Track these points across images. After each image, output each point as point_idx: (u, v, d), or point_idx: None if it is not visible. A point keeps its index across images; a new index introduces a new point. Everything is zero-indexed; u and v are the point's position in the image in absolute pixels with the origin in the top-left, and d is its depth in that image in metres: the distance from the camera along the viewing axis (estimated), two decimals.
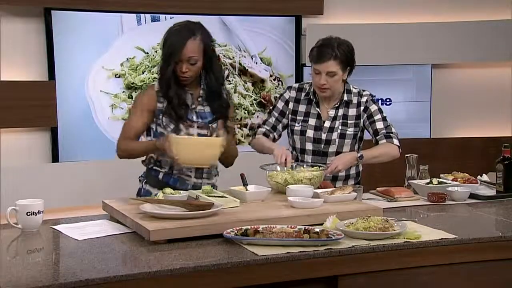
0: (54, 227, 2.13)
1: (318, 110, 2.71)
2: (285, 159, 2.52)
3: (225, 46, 4.30)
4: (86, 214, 2.44)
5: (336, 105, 2.72)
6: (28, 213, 2.06)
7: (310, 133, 2.70)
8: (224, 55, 4.29)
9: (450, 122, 4.76)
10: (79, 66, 3.93)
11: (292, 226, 1.98)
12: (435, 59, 4.63)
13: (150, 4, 4.01)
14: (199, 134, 2.46)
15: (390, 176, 2.99)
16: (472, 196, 2.60)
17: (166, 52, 2.40)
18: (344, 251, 1.88)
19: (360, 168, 2.81)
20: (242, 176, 2.40)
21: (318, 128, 2.70)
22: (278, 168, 2.55)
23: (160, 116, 2.44)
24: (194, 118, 2.47)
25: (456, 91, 4.73)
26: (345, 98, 2.72)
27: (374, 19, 4.54)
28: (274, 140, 2.79)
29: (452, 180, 2.75)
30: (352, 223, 2.02)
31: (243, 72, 4.36)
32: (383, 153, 2.68)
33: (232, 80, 4.33)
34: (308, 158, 2.71)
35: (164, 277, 1.70)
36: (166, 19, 4.09)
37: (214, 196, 2.25)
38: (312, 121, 2.71)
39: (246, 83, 4.37)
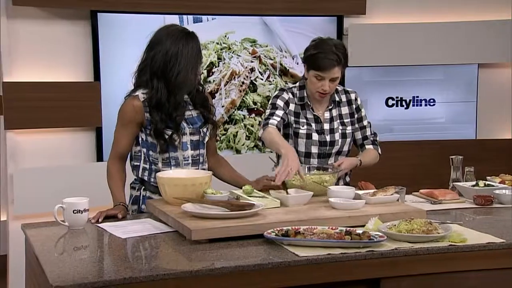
0: (99, 225, 2.17)
1: (316, 114, 2.67)
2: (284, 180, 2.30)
3: (266, 46, 4.30)
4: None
5: (330, 107, 2.69)
6: (74, 211, 2.11)
7: (315, 136, 2.65)
8: (265, 56, 4.29)
9: (496, 123, 4.62)
10: (123, 67, 3.99)
11: (334, 227, 1.96)
12: (482, 59, 4.51)
13: (193, 5, 4.04)
14: (191, 141, 2.40)
15: (434, 178, 2.94)
16: None
17: (197, 59, 2.37)
18: (386, 253, 1.85)
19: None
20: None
21: (320, 131, 2.66)
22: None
23: (150, 127, 2.35)
24: (185, 124, 2.40)
25: (503, 91, 4.60)
26: (336, 98, 2.70)
27: (418, 18, 4.46)
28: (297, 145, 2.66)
29: (500, 182, 2.67)
30: (395, 225, 1.99)
31: (284, 72, 4.35)
32: (372, 161, 2.73)
33: (273, 80, 4.33)
34: (314, 161, 2.65)
35: (205, 276, 1.71)
36: (208, 20, 4.13)
37: (255, 197, 2.26)
38: (314, 125, 2.67)
39: (287, 83, 4.36)
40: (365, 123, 2.75)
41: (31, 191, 3.65)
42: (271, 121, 2.57)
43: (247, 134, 4.32)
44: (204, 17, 4.13)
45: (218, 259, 1.79)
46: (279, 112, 2.61)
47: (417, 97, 4.49)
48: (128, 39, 3.99)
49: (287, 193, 2.29)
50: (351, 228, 1.95)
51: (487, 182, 2.65)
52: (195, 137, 2.42)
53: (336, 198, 2.22)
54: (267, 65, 4.30)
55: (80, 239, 2.07)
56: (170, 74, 2.33)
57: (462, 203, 2.52)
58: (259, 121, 4.34)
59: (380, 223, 2.02)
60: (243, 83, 4.27)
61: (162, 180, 2.25)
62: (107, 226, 2.15)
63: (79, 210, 2.11)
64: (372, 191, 2.35)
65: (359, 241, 1.87)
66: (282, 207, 2.21)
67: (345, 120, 2.70)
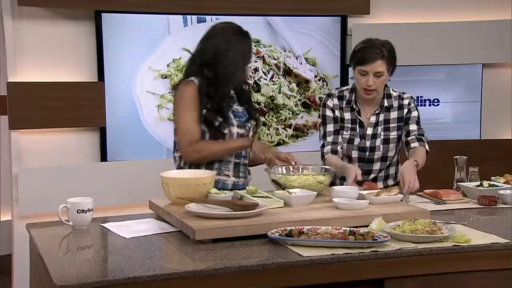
0: (103, 224, 2.18)
1: (360, 118, 2.68)
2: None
3: (270, 46, 4.30)
4: (133, 212, 2.50)
5: (377, 111, 2.68)
6: (79, 211, 2.12)
7: (357, 141, 2.67)
8: (269, 56, 4.29)
9: (501, 123, 4.61)
10: (127, 67, 4.01)
11: (337, 228, 1.96)
12: (486, 59, 4.49)
13: (197, 5, 4.04)
14: (238, 133, 2.48)
15: (438, 178, 2.93)
16: None
17: (246, 57, 2.51)
18: (390, 253, 1.85)
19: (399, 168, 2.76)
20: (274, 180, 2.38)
21: (362, 136, 2.67)
22: (284, 171, 2.49)
23: (203, 113, 2.45)
24: (232, 116, 2.51)
25: (508, 91, 4.58)
26: (386, 104, 2.68)
27: (422, 18, 4.45)
28: (342, 150, 2.69)
29: (504, 183, 2.67)
30: (399, 225, 1.98)
31: (287, 72, 4.35)
32: (423, 161, 2.63)
33: (277, 80, 4.33)
34: (355, 165, 2.65)
35: (209, 276, 1.71)
36: (212, 20, 4.13)
37: (259, 197, 2.26)
38: (357, 130, 2.68)
39: (290, 83, 4.36)
40: (412, 120, 2.67)
41: (35, 191, 3.66)
42: (326, 148, 2.66)
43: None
44: (208, 17, 4.14)
45: (222, 259, 1.79)
46: (330, 129, 2.67)
47: (421, 97, 4.48)
48: (132, 39, 4.00)
49: (289, 193, 2.29)
50: (355, 228, 1.95)
51: (491, 183, 2.65)
52: (242, 130, 2.51)
53: (339, 198, 2.22)
54: (271, 65, 4.30)
55: (84, 239, 2.07)
56: (218, 66, 2.44)
57: (466, 203, 2.52)
58: (264, 121, 4.34)
59: (384, 223, 2.01)
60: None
61: (166, 180, 2.26)
62: (111, 226, 2.15)
63: (83, 210, 2.12)
64: (376, 191, 2.35)
65: (363, 241, 1.87)
66: (285, 207, 2.21)
67: (390, 125, 2.68)
